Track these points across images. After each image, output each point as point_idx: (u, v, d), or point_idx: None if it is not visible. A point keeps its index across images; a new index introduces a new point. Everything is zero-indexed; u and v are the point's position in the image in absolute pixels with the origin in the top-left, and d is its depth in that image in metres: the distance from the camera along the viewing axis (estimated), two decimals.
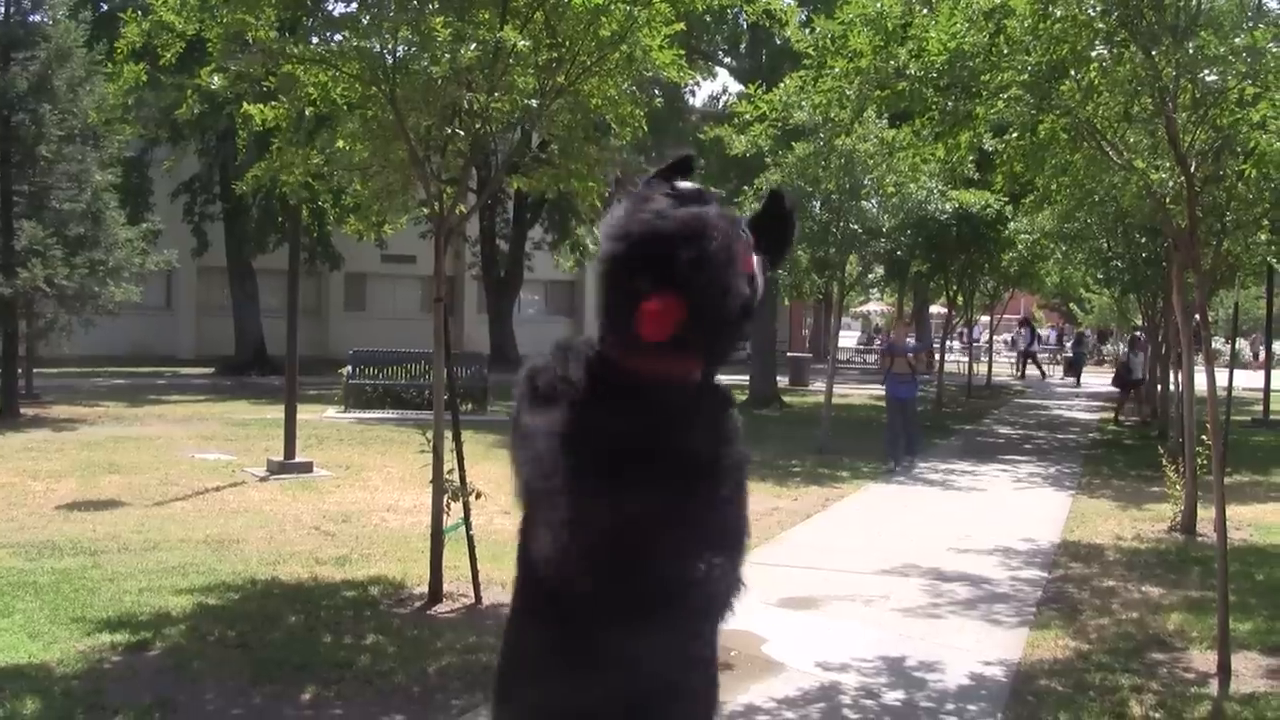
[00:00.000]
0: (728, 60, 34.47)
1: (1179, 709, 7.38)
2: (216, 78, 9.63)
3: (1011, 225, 23.53)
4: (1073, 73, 8.79)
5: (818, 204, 20.86)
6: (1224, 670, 7.98)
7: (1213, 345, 9.62)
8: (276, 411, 18.54)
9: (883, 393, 20.52)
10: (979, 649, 8.72)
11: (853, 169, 19.75)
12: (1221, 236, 11.65)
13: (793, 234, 3.25)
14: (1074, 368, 47.49)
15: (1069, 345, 53.12)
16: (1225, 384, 21.10)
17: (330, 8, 11.41)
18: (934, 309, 47.03)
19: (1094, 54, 8.55)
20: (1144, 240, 19.96)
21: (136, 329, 35.72)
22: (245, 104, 9.95)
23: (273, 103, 9.90)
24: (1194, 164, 8.65)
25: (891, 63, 9.27)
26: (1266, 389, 27.26)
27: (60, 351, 23.97)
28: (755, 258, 3.02)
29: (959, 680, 7.97)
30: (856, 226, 21.20)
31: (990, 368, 43.05)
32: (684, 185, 3.03)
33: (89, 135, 22.73)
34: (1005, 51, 8.74)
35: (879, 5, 9.40)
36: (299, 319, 16.82)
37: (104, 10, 28.40)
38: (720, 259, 2.80)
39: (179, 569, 10.17)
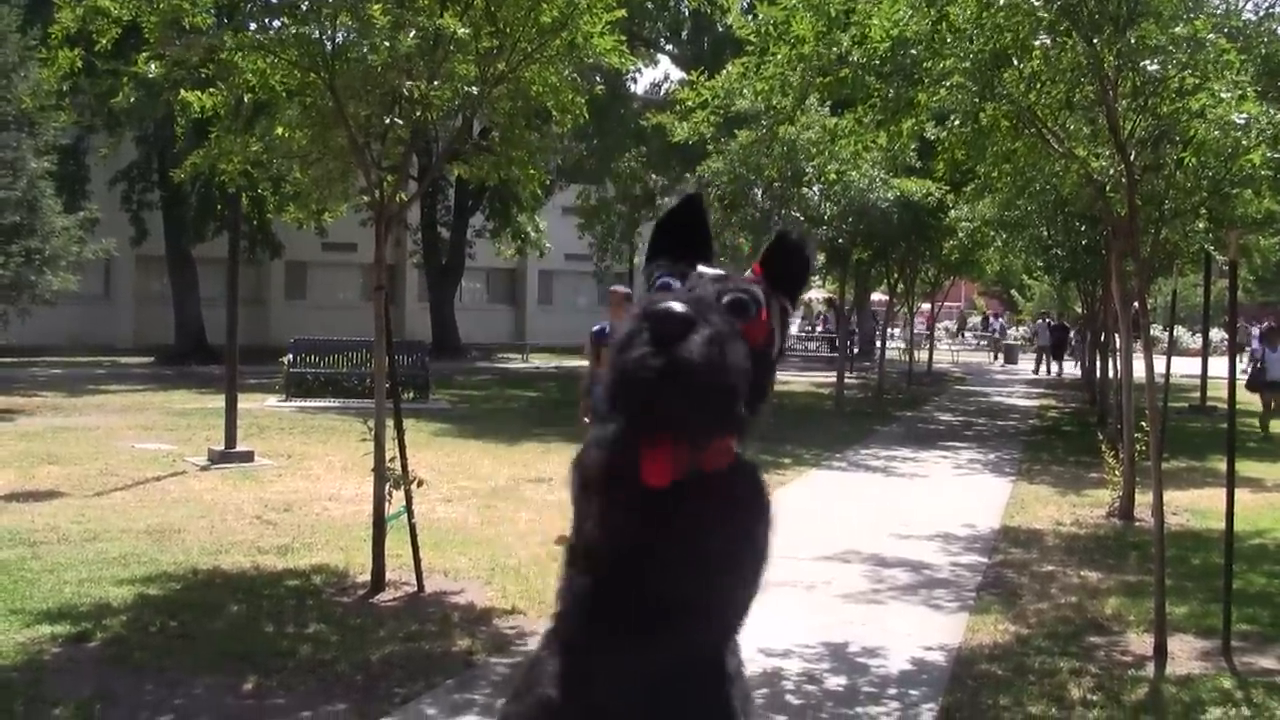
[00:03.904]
0: (669, 47, 34.52)
1: (1117, 691, 7.46)
2: (153, 65, 9.53)
3: (952, 213, 23.62)
4: (1015, 61, 8.84)
5: (760, 192, 20.91)
6: (1160, 653, 8.08)
7: (1151, 333, 9.72)
8: (217, 401, 18.40)
9: (825, 378, 20.47)
10: (920, 634, 8.77)
11: (795, 157, 19.80)
12: (1160, 224, 11.76)
13: (807, 271, 3.21)
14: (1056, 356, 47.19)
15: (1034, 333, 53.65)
16: (1163, 371, 21.29)
17: None
18: (876, 295, 47.19)
19: (1036, 43, 8.61)
20: (1084, 228, 20.11)
21: (74, 318, 35.36)
22: (183, 91, 9.85)
23: (211, 90, 9.81)
24: (1134, 152, 8.72)
25: (834, 49, 9.28)
26: (1204, 376, 27.52)
27: None
28: (770, 310, 3.02)
29: (900, 665, 8.02)
30: (799, 214, 21.27)
31: (931, 355, 43.36)
32: (698, 275, 3.04)
33: (24, 122, 22.49)
34: (948, 39, 8.78)
35: None
36: (239, 307, 16.71)
37: None
38: (708, 387, 2.78)
39: (120, 560, 10.09)
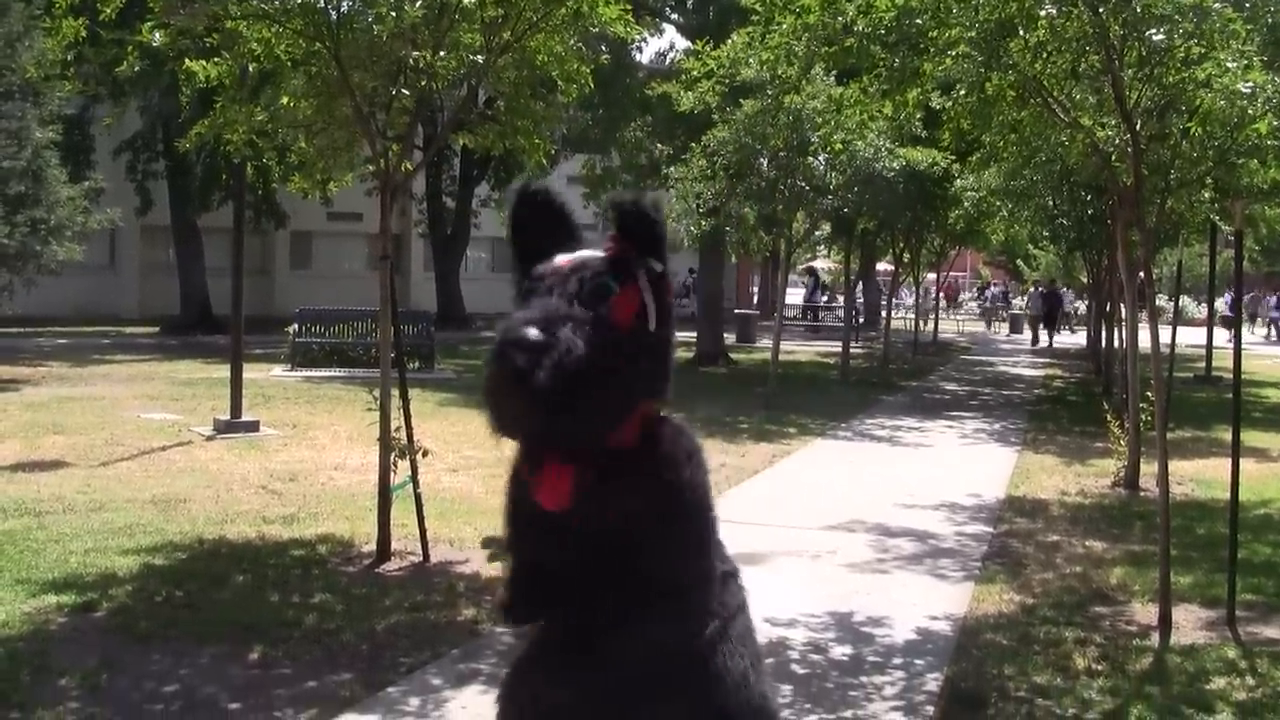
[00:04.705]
0: (675, 16, 34.32)
1: (1121, 661, 7.48)
2: (158, 34, 9.51)
3: (958, 183, 23.56)
4: (1021, 31, 8.80)
5: (765, 161, 20.87)
6: (1165, 623, 8.09)
7: (1156, 302, 9.72)
8: (222, 370, 18.41)
9: (829, 348, 20.38)
10: (925, 603, 8.78)
11: (800, 126, 19.75)
12: (1166, 194, 11.71)
13: (655, 228, 3.18)
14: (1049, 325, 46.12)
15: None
16: (1168, 341, 21.26)
17: None
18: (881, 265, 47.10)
19: (1042, 12, 8.57)
20: (1089, 198, 20.04)
21: (79, 288, 35.35)
22: (188, 60, 9.84)
23: (215, 59, 9.79)
24: (1139, 122, 8.70)
25: (839, 19, 9.24)
26: (1209, 346, 27.52)
27: (1, 311, 23.73)
28: (638, 288, 3.04)
29: (905, 634, 8.04)
30: (804, 184, 21.24)
31: (936, 325, 43.30)
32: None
33: (28, 91, 22.43)
34: (953, 8, 8.74)
35: None
36: (244, 278, 16.71)
37: None
38: (565, 405, 2.82)
39: (125, 529, 10.11)
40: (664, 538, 3.06)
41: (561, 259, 3.11)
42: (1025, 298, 54.19)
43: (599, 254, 3.10)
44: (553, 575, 3.13)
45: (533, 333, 2.78)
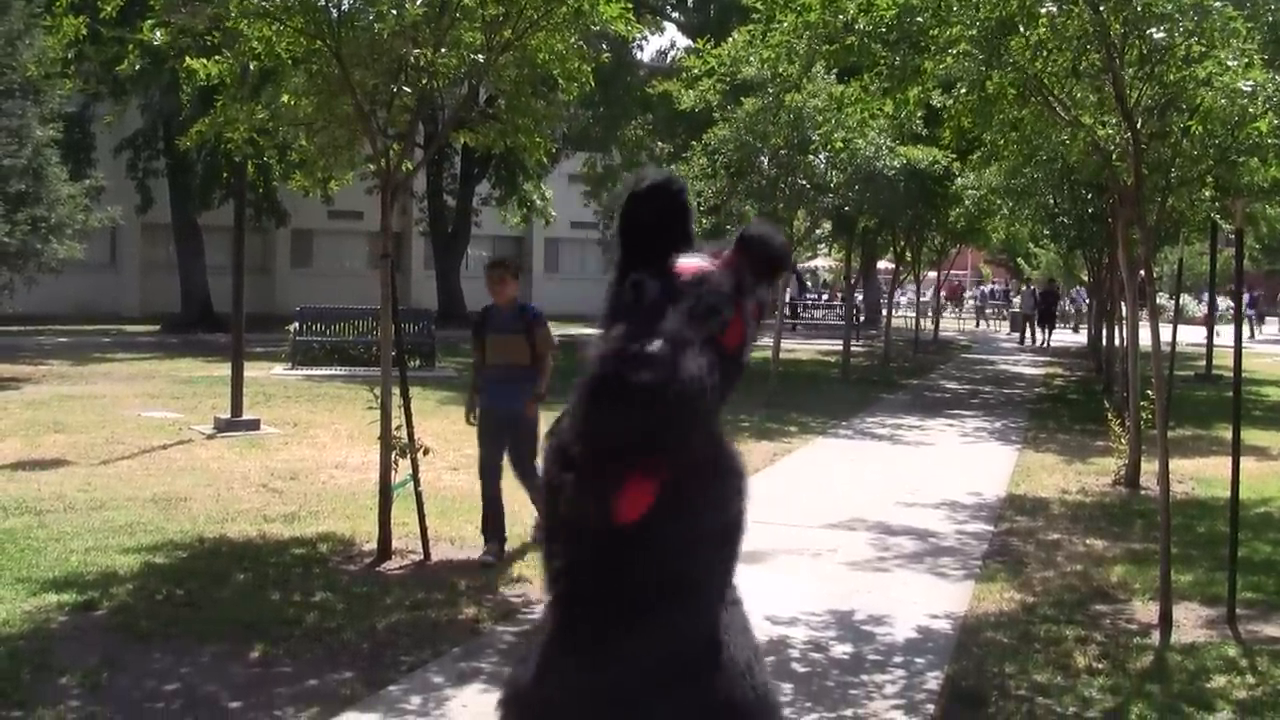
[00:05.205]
0: (676, 15, 34.41)
1: (1122, 659, 7.47)
2: (158, 32, 9.52)
3: (959, 181, 23.57)
4: (1021, 29, 8.79)
5: (766, 159, 20.88)
6: (1166, 621, 8.08)
7: (1157, 301, 9.72)
8: (223, 369, 18.41)
9: (830, 346, 20.36)
10: (926, 602, 8.78)
11: (801, 124, 19.75)
12: (1166, 193, 11.70)
13: (782, 264, 3.21)
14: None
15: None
16: (1169, 339, 21.24)
17: None
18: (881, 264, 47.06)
19: (1042, 10, 8.56)
20: (1090, 196, 20.05)
21: (80, 287, 35.32)
22: (188, 58, 9.83)
23: (216, 57, 9.79)
24: (1140, 120, 8.69)
25: (840, 17, 9.24)
26: (1209, 344, 27.50)
27: (2, 310, 23.72)
28: (744, 308, 3.04)
29: (906, 633, 8.03)
30: (805, 182, 21.25)
31: (937, 323, 43.26)
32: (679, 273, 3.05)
33: (29, 89, 22.41)
34: (954, 6, 8.74)
35: None
36: (245, 276, 16.71)
37: None
38: (688, 422, 2.81)
39: (126, 528, 10.11)
40: (677, 535, 3.08)
41: (684, 266, 3.08)
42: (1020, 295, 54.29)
43: (714, 268, 3.07)
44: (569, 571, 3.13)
45: (659, 348, 2.76)
